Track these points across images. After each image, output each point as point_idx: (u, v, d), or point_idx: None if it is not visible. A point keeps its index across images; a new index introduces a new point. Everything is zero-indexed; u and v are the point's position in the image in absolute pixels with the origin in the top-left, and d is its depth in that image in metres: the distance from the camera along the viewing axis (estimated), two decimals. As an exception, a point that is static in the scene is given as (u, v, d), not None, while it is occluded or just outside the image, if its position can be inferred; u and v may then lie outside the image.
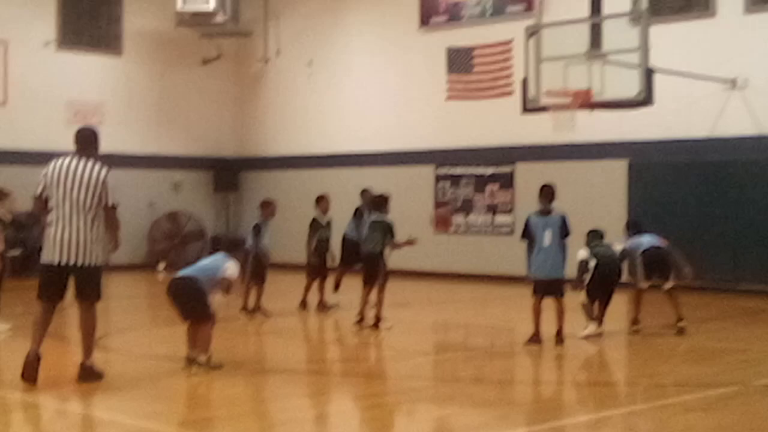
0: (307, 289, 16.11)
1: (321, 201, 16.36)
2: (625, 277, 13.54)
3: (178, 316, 10.39)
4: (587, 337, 12.82)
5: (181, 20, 25.32)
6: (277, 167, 26.89)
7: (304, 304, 16.12)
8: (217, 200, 27.66)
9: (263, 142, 27.48)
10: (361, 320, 14.02)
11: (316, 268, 16.08)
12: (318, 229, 16.09)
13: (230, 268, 10.37)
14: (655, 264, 13.52)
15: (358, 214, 16.56)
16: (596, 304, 13.08)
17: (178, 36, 26.16)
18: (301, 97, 26.43)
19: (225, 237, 22.61)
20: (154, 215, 26.13)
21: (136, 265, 24.69)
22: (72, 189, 9.38)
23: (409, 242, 14.15)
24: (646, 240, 13.71)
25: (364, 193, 16.92)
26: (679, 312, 13.46)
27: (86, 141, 9.67)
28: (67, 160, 9.52)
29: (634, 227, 14.21)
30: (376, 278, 14.00)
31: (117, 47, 25.95)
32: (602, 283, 12.95)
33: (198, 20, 25.33)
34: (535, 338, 12.33)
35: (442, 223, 14.19)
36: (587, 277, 12.93)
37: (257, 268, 15.20)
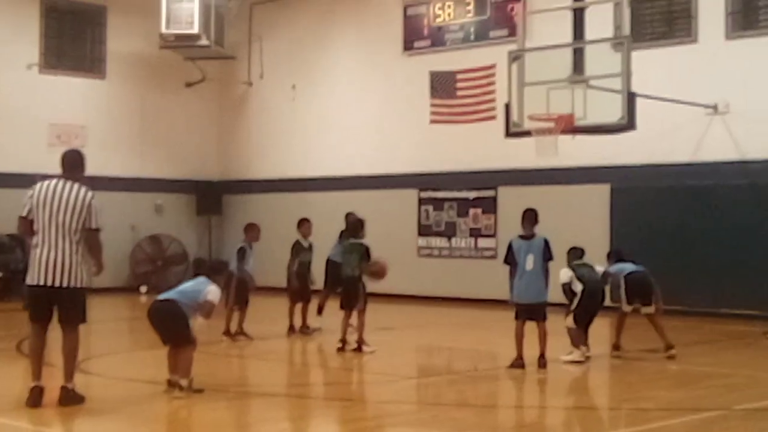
0: (291, 313, 16.01)
1: (303, 224, 16.32)
2: (607, 301, 13.56)
3: (159, 339, 10.35)
4: (571, 363, 12.80)
5: (164, 43, 25.27)
6: (259, 190, 26.84)
7: (292, 329, 15.96)
8: (200, 223, 27.58)
9: (246, 165, 27.45)
10: (343, 346, 13.91)
11: (298, 292, 16.02)
12: (300, 252, 16.05)
13: (212, 291, 10.32)
14: (638, 288, 13.54)
15: (343, 237, 16.51)
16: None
17: (161, 59, 26.12)
18: (284, 121, 26.44)
19: (207, 260, 22.53)
20: (136, 238, 26.05)
21: (118, 288, 24.55)
22: (58, 212, 9.35)
23: (376, 272, 14.00)
24: (629, 266, 13.77)
25: (349, 216, 16.87)
26: (666, 340, 13.43)
27: (72, 164, 9.67)
28: (53, 182, 9.50)
29: (615, 255, 14.27)
30: (356, 302, 13.93)
31: (100, 70, 25.96)
32: (590, 307, 12.95)
33: (182, 43, 25.28)
34: (518, 362, 12.31)
35: (378, 274, 14.08)
36: (575, 300, 12.92)
37: (241, 292, 15.16)
